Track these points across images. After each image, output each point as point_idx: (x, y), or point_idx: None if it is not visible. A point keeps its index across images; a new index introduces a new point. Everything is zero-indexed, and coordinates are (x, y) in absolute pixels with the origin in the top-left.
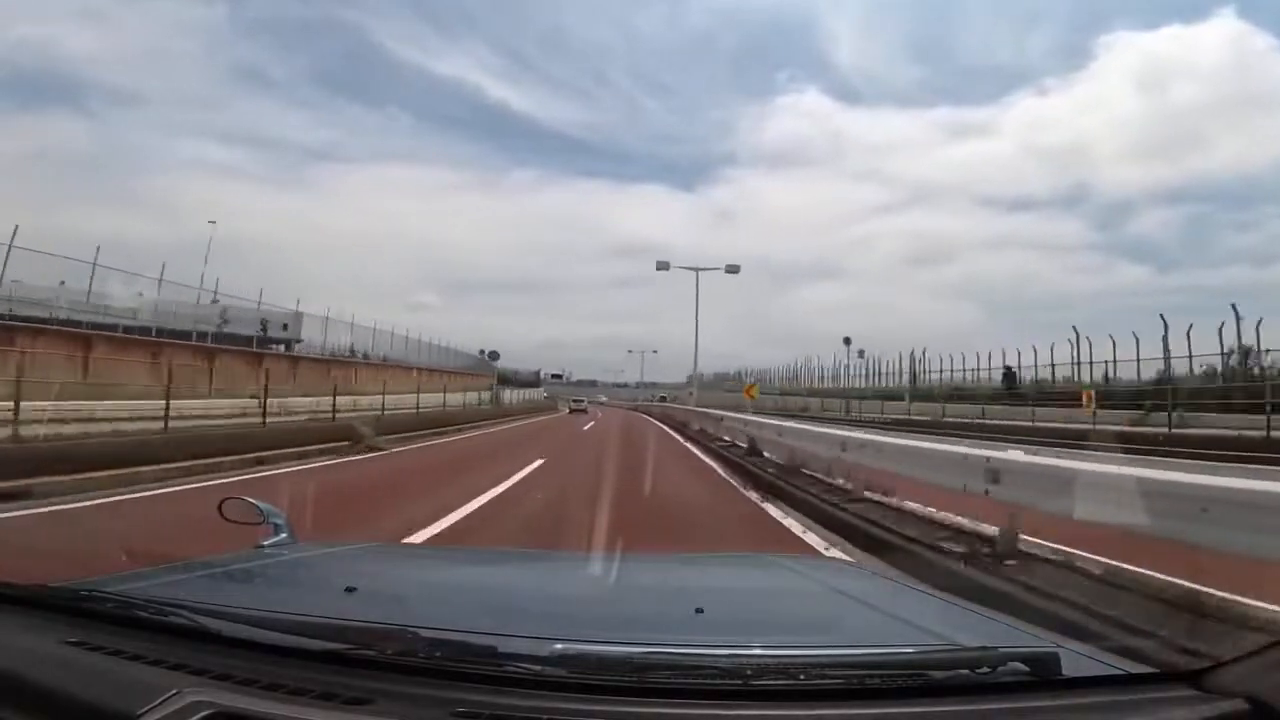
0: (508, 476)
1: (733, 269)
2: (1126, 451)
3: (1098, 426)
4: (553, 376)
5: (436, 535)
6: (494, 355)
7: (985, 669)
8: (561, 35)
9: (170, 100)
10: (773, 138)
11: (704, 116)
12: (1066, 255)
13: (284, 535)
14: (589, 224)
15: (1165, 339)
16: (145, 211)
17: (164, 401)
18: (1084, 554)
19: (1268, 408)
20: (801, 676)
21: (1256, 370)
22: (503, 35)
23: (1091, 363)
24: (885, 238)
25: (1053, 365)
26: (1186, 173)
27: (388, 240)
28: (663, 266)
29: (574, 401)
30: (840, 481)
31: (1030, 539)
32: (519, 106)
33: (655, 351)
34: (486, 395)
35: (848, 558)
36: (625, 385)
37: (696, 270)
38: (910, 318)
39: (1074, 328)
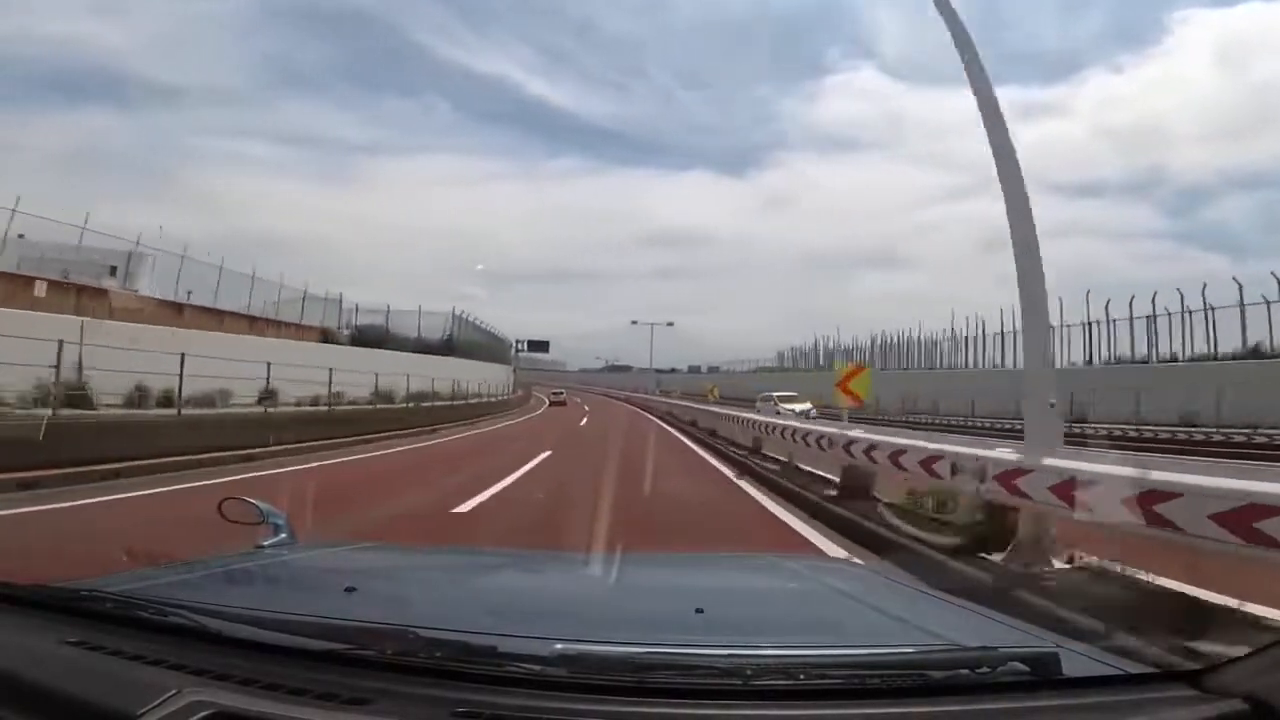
0: None
1: (669, 324)
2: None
3: None
4: (530, 346)
5: None
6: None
7: (985, 669)
8: (602, 22)
9: (215, 99)
10: (826, 120)
11: (751, 100)
12: (1136, 243)
13: (284, 535)
14: (634, 213)
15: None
16: (193, 207)
17: None
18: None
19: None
20: (802, 676)
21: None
22: (544, 24)
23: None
24: (948, 224)
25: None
26: (1266, 155)
27: (433, 234)
28: (633, 322)
29: (553, 394)
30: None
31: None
32: (560, 98)
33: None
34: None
35: (848, 558)
36: (674, 371)
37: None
38: (975, 308)
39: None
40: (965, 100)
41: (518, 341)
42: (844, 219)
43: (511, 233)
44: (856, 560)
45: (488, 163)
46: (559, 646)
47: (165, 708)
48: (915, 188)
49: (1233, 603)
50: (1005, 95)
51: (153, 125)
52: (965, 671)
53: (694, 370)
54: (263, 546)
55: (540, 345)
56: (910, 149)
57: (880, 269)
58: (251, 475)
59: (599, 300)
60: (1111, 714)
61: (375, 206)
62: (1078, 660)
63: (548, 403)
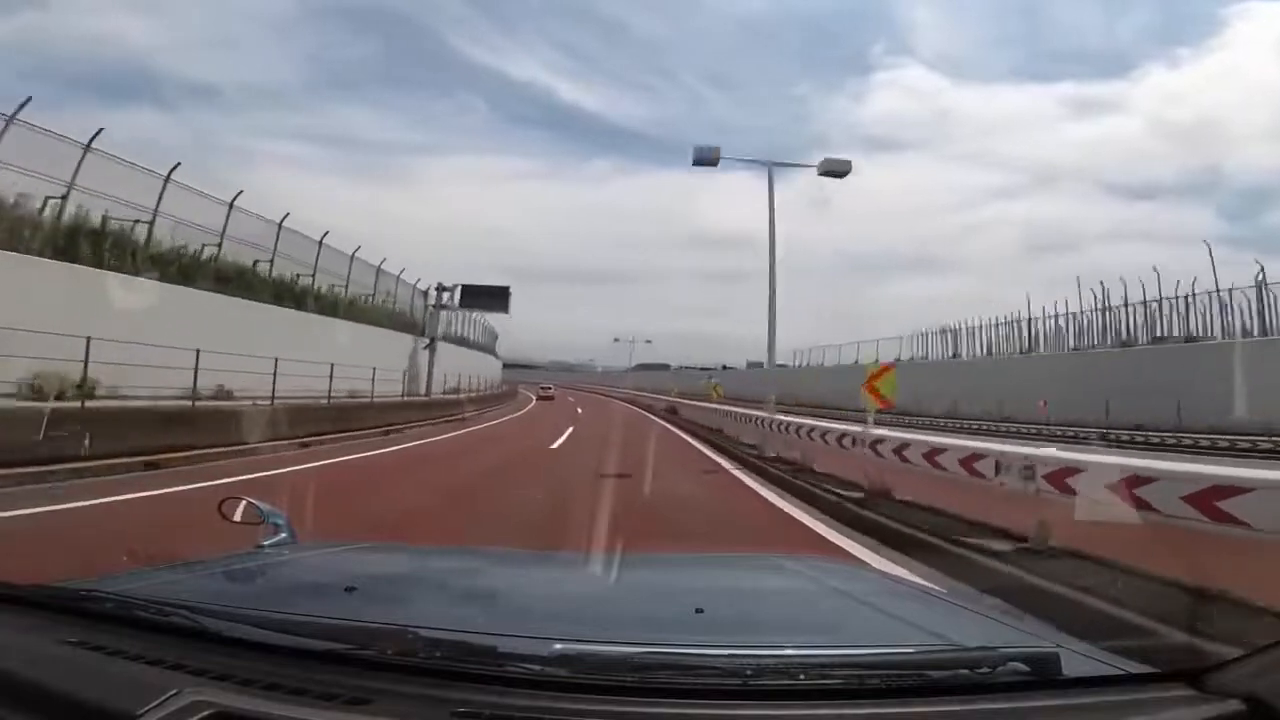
0: None
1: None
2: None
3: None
4: (464, 295)
5: None
6: None
7: (985, 669)
8: (638, 24)
9: (257, 99)
10: (870, 118)
11: (791, 98)
12: (1193, 248)
13: (284, 535)
14: (670, 214)
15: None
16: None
17: None
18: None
19: None
20: (801, 676)
21: None
22: (581, 29)
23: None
24: (998, 226)
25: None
26: None
27: (467, 233)
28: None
29: (541, 389)
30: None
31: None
32: (595, 101)
33: None
34: None
35: (849, 557)
36: (726, 369)
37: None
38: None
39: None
40: (1015, 96)
41: (440, 289)
42: (887, 220)
43: (546, 233)
44: (857, 560)
45: (522, 163)
46: (559, 646)
47: (165, 708)
48: (961, 188)
49: None
50: (1061, 91)
51: (200, 125)
52: (965, 671)
53: (754, 366)
54: (263, 546)
55: (489, 294)
56: (957, 148)
57: (924, 271)
58: None
59: (632, 301)
60: (1111, 714)
61: (411, 206)
62: (1078, 660)
63: (535, 398)
